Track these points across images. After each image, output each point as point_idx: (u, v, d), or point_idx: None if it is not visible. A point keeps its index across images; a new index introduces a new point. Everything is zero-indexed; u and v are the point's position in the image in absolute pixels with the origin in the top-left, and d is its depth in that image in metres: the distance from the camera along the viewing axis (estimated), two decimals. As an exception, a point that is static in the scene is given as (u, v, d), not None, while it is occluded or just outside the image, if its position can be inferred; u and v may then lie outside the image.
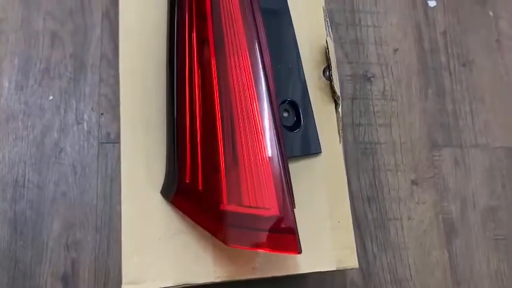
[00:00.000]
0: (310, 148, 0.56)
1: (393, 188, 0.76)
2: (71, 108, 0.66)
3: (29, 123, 0.64)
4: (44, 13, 0.69)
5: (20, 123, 0.64)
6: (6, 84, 0.65)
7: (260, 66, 0.49)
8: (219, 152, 0.45)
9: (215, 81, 0.47)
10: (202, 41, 0.51)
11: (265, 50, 0.53)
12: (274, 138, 0.45)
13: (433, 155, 0.80)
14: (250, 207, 0.43)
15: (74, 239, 0.61)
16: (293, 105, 0.57)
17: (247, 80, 0.47)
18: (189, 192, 0.47)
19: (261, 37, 0.52)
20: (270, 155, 0.45)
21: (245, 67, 0.47)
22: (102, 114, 0.66)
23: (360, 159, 0.76)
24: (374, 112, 0.79)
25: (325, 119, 0.58)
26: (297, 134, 0.56)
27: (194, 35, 0.52)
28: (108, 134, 0.66)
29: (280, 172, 0.44)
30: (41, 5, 0.69)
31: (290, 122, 0.57)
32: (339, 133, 0.58)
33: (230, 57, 0.48)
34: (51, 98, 0.66)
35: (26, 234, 0.60)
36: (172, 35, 0.55)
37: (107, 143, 0.65)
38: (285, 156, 0.49)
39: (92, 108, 0.67)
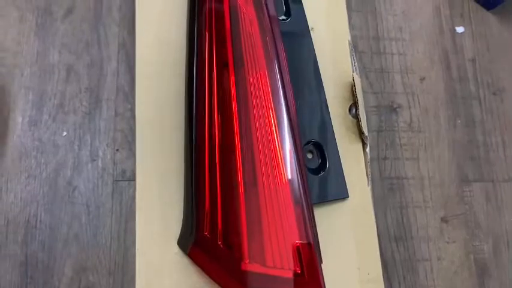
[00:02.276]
0: (336, 193, 0.51)
1: (422, 226, 0.72)
2: (86, 145, 0.64)
3: (42, 161, 0.62)
4: (60, 46, 0.67)
5: (33, 161, 0.62)
6: (19, 119, 0.63)
7: (283, 103, 0.45)
8: (240, 204, 0.41)
9: (236, 125, 0.44)
10: (221, 83, 0.48)
11: (287, 84, 0.50)
12: (299, 187, 0.42)
13: (463, 190, 0.75)
14: (274, 267, 0.39)
15: (86, 283, 0.58)
16: (317, 146, 0.53)
17: (269, 123, 0.44)
18: (208, 246, 0.43)
19: (284, 74, 0.49)
20: (295, 207, 0.41)
21: (267, 105, 0.44)
22: (117, 150, 0.64)
23: (386, 196, 0.72)
24: (401, 145, 0.75)
25: (352, 160, 0.55)
26: (322, 178, 0.52)
27: (214, 75, 0.49)
28: (124, 171, 0.63)
29: (306, 226, 0.40)
30: (56, 37, 0.68)
31: (314, 165, 0.53)
32: (367, 175, 0.54)
33: (252, 98, 0.45)
34: (65, 133, 0.63)
35: (36, 279, 0.58)
36: (191, 74, 0.52)
37: (122, 180, 0.62)
38: (311, 206, 0.46)
39: (107, 144, 0.64)
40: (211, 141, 0.45)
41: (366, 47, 0.79)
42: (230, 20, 0.49)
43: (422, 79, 0.80)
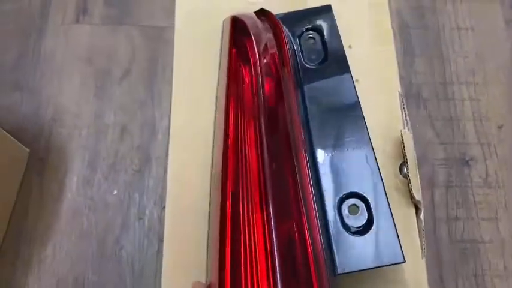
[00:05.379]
0: (387, 257, 0.41)
1: (504, 299, 0.62)
2: (134, 203, 0.64)
3: (93, 220, 0.64)
4: (116, 106, 0.70)
5: (84, 219, 0.64)
6: (74, 179, 0.66)
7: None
8: None
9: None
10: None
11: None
12: None
13: (557, 257, 0.64)
14: None
15: None
16: (363, 200, 0.46)
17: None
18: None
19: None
20: None
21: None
22: (164, 208, 0.64)
23: (458, 263, 0.63)
24: (475, 203, 0.66)
25: (403, 228, 0.48)
26: (368, 239, 0.43)
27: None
28: (169, 230, 0.62)
29: None
30: (113, 98, 0.71)
31: (359, 223, 0.44)
32: (421, 247, 0.47)
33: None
34: (115, 192, 0.65)
35: None
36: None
37: (167, 240, 0.61)
38: None
39: (154, 203, 0.64)
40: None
41: (432, 93, 0.73)
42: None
43: (500, 127, 0.71)
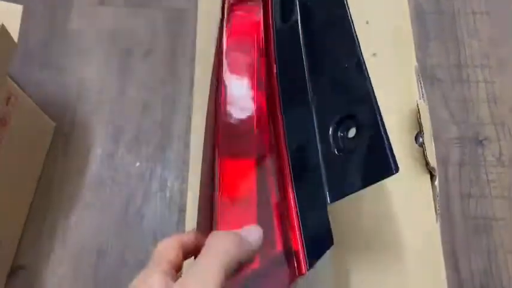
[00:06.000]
0: (379, 171, 0.36)
1: (516, 274, 0.63)
2: (156, 175, 0.67)
3: (116, 190, 0.66)
4: (138, 83, 0.73)
5: (108, 190, 0.66)
6: (99, 152, 0.68)
7: None
8: None
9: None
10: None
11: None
12: None
13: None
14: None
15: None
16: (353, 118, 0.39)
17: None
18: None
19: None
20: None
21: None
22: (184, 180, 0.66)
23: (470, 238, 0.64)
24: (488, 181, 0.67)
25: (419, 194, 0.50)
26: (359, 158, 0.38)
27: None
28: (189, 201, 0.65)
29: None
30: (136, 75, 0.73)
31: (351, 144, 0.39)
32: (435, 210, 0.49)
33: None
34: (137, 164, 0.67)
35: (103, 303, 0.60)
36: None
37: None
38: None
39: (175, 175, 0.67)
40: None
41: (446, 75, 0.74)
42: None
43: (513, 108, 0.72)
